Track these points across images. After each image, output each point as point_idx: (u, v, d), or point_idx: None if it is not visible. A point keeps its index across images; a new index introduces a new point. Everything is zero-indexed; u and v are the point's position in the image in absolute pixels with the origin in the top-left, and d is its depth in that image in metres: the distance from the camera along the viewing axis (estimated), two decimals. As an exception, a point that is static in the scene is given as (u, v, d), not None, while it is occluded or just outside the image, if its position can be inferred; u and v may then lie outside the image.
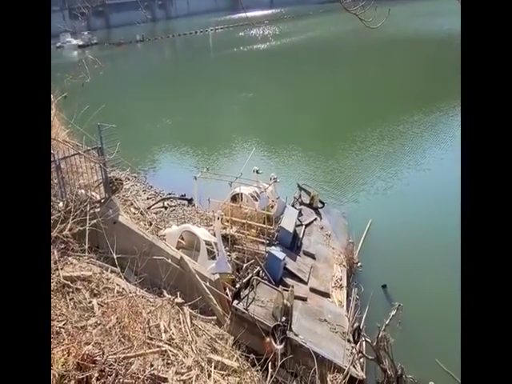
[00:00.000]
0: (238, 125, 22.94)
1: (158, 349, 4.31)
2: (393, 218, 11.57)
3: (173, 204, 12.66)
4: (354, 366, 5.91)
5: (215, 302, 6.76)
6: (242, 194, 10.13)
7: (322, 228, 10.20)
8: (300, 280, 8.14)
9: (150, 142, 20.43)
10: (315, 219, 10.40)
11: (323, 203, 11.04)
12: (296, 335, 6.14)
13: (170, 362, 4.28)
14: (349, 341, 6.65)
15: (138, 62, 47.64)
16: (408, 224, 11.16)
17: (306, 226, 9.99)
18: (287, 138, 19.61)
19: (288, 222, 9.18)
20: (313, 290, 7.99)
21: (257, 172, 10.24)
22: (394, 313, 7.43)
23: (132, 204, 11.05)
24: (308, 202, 10.94)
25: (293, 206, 10.55)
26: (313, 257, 8.98)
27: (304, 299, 7.55)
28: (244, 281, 6.87)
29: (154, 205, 12.37)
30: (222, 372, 4.75)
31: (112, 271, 5.70)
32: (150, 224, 9.93)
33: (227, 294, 7.31)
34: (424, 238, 10.41)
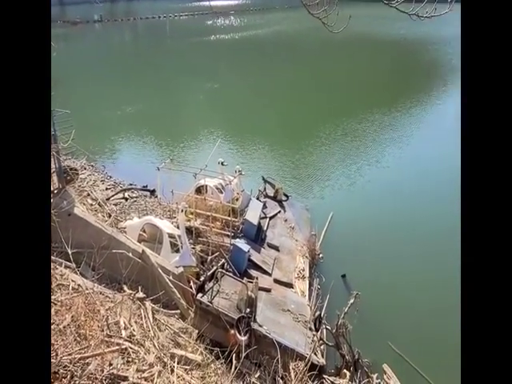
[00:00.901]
0: (203, 116, 22.44)
1: (117, 347, 4.11)
2: (353, 212, 12.12)
3: (134, 195, 12.10)
4: (315, 353, 6.14)
5: (179, 295, 6.61)
6: (206, 186, 9.96)
7: (286, 220, 10.39)
8: (264, 272, 8.24)
9: (109, 131, 19.26)
10: (279, 212, 10.55)
11: (287, 196, 11.23)
12: (260, 326, 6.21)
13: (130, 359, 4.11)
14: (310, 329, 6.89)
15: (95, 44, 44.44)
16: (367, 217, 11.76)
17: (271, 218, 10.11)
18: (253, 131, 19.62)
19: (253, 215, 9.21)
20: (277, 281, 8.13)
21: (222, 164, 10.11)
22: (352, 301, 7.82)
23: (89, 195, 10.38)
24: (272, 194, 11.06)
25: (257, 198, 10.60)
26: (277, 249, 9.12)
27: (268, 290, 7.66)
28: (208, 273, 6.79)
29: (113, 196, 11.72)
30: (186, 367, 4.67)
31: (66, 267, 5.31)
32: (109, 216, 9.42)
33: (191, 287, 7.19)
34: (382, 231, 11.06)
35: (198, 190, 9.95)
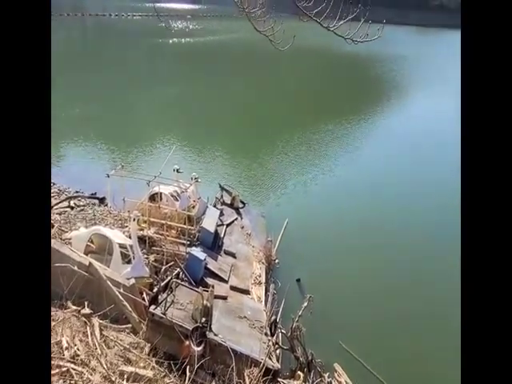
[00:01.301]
0: (158, 120, 21.84)
1: (57, 370, 3.81)
2: (308, 218, 12.61)
3: (81, 203, 11.33)
4: (270, 358, 6.24)
5: (130, 308, 6.32)
6: (161, 193, 9.69)
7: (243, 227, 10.49)
8: (221, 279, 8.21)
9: (52, 133, 17.81)
10: (236, 219, 10.62)
11: (244, 203, 11.35)
12: (215, 335, 6.17)
13: (73, 382, 3.84)
14: (266, 334, 6.99)
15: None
16: (321, 223, 12.33)
17: (227, 225, 10.13)
18: (210, 138, 19.54)
19: (209, 222, 9.16)
20: (233, 288, 8.15)
21: (177, 171, 9.93)
22: (305, 304, 8.11)
23: (27, 204, 9.45)
24: (229, 202, 11.10)
25: (214, 206, 10.56)
26: (233, 256, 9.16)
27: (224, 298, 7.64)
28: (162, 284, 6.59)
29: (57, 204, 10.85)
30: None
31: None
32: (52, 226, 8.71)
33: (144, 299, 6.91)
34: (334, 236, 11.65)
35: (152, 198, 9.64)
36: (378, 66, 42.26)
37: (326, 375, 6.58)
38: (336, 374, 6.63)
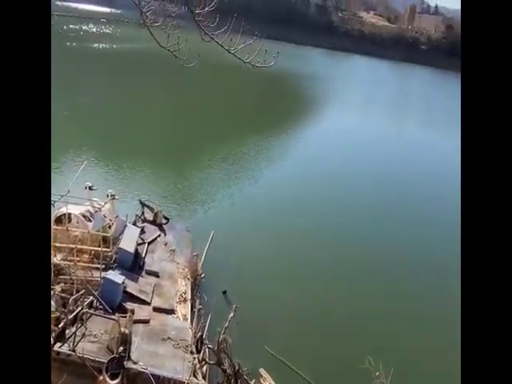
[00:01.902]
0: (67, 133, 19.73)
1: None
2: (234, 229, 12.83)
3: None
4: (195, 376, 6.12)
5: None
6: (69, 214, 8.76)
7: (167, 244, 10.13)
8: (143, 302, 7.77)
9: None
10: (159, 236, 10.22)
11: (167, 219, 11.00)
12: (135, 363, 5.80)
13: None
14: (192, 352, 6.84)
15: None
16: (247, 234, 12.65)
17: (149, 243, 9.68)
18: (130, 152, 18.44)
19: (128, 242, 8.62)
20: (156, 309, 7.78)
21: (90, 188, 9.15)
22: (231, 315, 8.20)
23: None
24: (151, 218, 10.64)
25: (135, 223, 10.00)
26: (156, 275, 8.77)
27: (146, 321, 7.24)
28: (70, 317, 5.94)
29: None
30: None
31: None
32: None
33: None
34: (259, 245, 12.06)
35: (59, 220, 8.64)
36: (296, 83, 45.80)
37: (252, 382, 6.73)
38: (261, 379, 6.82)
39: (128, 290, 7.72)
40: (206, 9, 5.03)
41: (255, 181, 17.53)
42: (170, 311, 7.95)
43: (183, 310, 8.24)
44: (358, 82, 60.23)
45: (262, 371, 7.04)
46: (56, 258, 7.71)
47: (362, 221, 14.85)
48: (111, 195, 9.52)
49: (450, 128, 38.68)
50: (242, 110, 30.73)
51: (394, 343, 8.92)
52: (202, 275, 9.73)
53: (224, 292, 9.53)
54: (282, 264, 11.20)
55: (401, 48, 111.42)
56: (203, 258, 10.38)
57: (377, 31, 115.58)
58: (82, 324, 5.95)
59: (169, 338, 7.03)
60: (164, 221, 10.84)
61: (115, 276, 7.46)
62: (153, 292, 8.16)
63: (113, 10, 69.49)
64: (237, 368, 6.86)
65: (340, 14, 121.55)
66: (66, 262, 7.70)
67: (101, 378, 5.30)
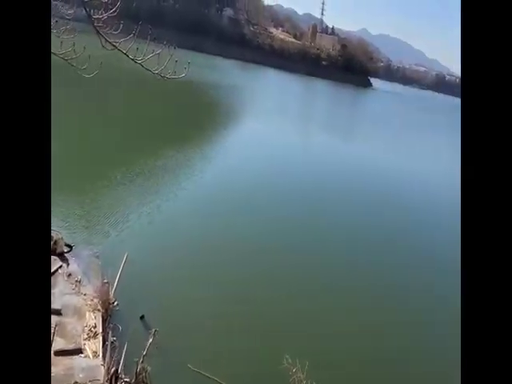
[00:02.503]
0: None
1: None
2: (151, 249, 12.16)
3: None
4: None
5: None
6: None
7: (70, 275, 9.10)
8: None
9: None
10: (60, 266, 9.11)
11: (70, 246, 9.88)
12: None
13: None
14: (104, 392, 6.28)
15: None
16: (165, 252, 12.11)
17: (48, 277, 8.53)
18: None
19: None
20: (59, 352, 6.92)
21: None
22: (150, 340, 7.81)
23: None
24: (50, 248, 9.40)
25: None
26: (58, 313, 7.79)
27: (46, 369, 6.36)
28: None
29: None
30: None
31: None
32: None
33: None
34: (178, 265, 11.63)
35: None
36: (210, 94, 46.20)
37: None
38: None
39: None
40: (107, 14, 4.73)
41: (174, 195, 16.94)
42: (77, 351, 7.16)
43: (93, 346, 7.50)
44: (270, 93, 64.08)
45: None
46: None
47: (284, 231, 15.66)
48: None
49: (348, 134, 44.25)
50: (156, 120, 29.56)
51: (314, 345, 9.63)
52: (115, 303, 9.01)
53: (142, 317, 9.00)
54: (202, 282, 11.09)
55: (305, 63, 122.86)
56: (116, 284, 9.62)
57: (285, 46, 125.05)
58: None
59: (76, 383, 6.31)
60: (66, 249, 9.71)
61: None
62: (53, 334, 7.21)
63: None
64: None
65: (252, 28, 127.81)
66: None
67: None
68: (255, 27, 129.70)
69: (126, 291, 9.69)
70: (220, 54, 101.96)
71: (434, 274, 14.44)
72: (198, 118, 34.56)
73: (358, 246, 15.57)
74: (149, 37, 5.16)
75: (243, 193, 18.57)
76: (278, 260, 13.04)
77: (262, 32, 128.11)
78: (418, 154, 40.81)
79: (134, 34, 5.03)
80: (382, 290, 12.67)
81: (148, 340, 7.81)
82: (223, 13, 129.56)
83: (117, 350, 7.66)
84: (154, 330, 8.03)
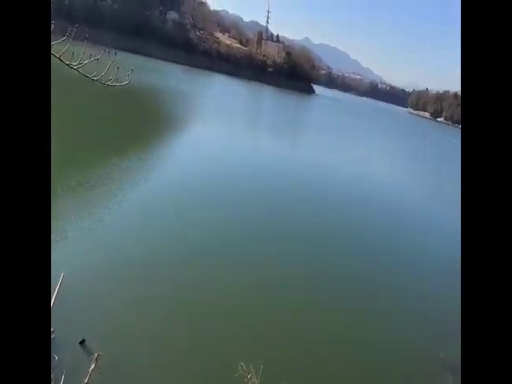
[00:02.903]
0: None
1: None
2: (92, 268, 11.37)
3: None
4: None
5: None
6: None
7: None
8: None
9: None
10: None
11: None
12: None
13: None
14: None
15: None
16: (106, 270, 11.39)
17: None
18: None
19: None
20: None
21: None
22: (93, 366, 7.31)
23: None
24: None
25: None
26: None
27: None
28: None
29: None
30: None
31: None
32: None
33: None
34: (121, 282, 11.04)
35: None
36: (156, 99, 44.80)
37: None
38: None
39: None
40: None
41: (119, 207, 16.02)
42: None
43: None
44: (217, 98, 64.18)
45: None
46: None
47: (230, 244, 15.74)
48: None
49: (294, 138, 46.18)
50: (96, 128, 27.77)
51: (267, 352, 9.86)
52: (51, 330, 8.26)
53: (82, 342, 8.38)
54: (147, 299, 10.68)
55: (252, 69, 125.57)
56: (51, 307, 8.82)
57: (231, 52, 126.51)
58: None
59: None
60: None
61: None
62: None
63: None
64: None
65: (198, 33, 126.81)
66: None
67: None
68: (201, 32, 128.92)
69: (64, 316, 8.93)
70: (165, 58, 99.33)
71: (378, 267, 15.76)
72: (141, 124, 33.24)
73: (298, 248, 16.33)
74: (86, 39, 4.86)
75: (189, 202, 18.30)
76: (223, 272, 13.12)
77: (208, 37, 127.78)
78: (357, 156, 44.17)
79: (69, 36, 4.71)
80: (331, 292, 13.46)
81: (90, 366, 7.32)
82: (167, 16, 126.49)
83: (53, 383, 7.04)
84: (96, 354, 7.54)
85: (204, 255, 13.50)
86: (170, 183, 20.21)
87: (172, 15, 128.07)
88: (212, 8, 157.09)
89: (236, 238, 15.61)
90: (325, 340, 10.60)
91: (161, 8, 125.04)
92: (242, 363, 7.77)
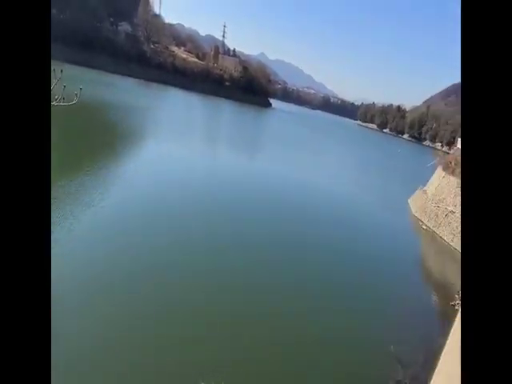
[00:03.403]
0: None
1: None
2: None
3: None
4: None
5: None
6: None
7: None
8: None
9: None
10: None
11: None
12: None
13: None
14: None
15: None
16: (58, 296, 10.93)
17: None
18: None
19: None
20: None
21: None
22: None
23: None
24: None
25: None
26: None
27: None
28: None
29: None
30: None
31: None
32: None
33: None
34: (72, 304, 10.70)
35: None
36: (110, 114, 43.34)
37: None
38: None
39: None
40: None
41: (69, 230, 15.32)
42: None
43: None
44: (174, 112, 63.75)
45: None
46: None
47: (192, 256, 15.82)
48: None
49: (253, 151, 47.30)
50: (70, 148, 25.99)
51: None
52: None
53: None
54: (104, 318, 10.49)
55: (209, 83, 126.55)
56: None
57: (188, 66, 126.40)
58: None
59: None
60: None
61: None
62: None
63: None
64: None
65: (152, 46, 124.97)
66: None
67: None
68: (156, 45, 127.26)
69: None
70: (118, 72, 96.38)
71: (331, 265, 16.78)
72: (93, 141, 32.00)
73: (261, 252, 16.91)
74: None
75: (146, 217, 18.07)
76: (185, 284, 13.20)
77: (163, 50, 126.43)
78: (313, 166, 46.47)
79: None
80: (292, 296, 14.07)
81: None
82: (119, 28, 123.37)
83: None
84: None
85: (160, 270, 13.45)
86: (123, 202, 19.75)
87: (124, 27, 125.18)
88: (167, 21, 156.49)
89: (196, 249, 15.73)
90: (278, 343, 11.10)
91: (111, 19, 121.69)
92: (202, 383, 7.95)
